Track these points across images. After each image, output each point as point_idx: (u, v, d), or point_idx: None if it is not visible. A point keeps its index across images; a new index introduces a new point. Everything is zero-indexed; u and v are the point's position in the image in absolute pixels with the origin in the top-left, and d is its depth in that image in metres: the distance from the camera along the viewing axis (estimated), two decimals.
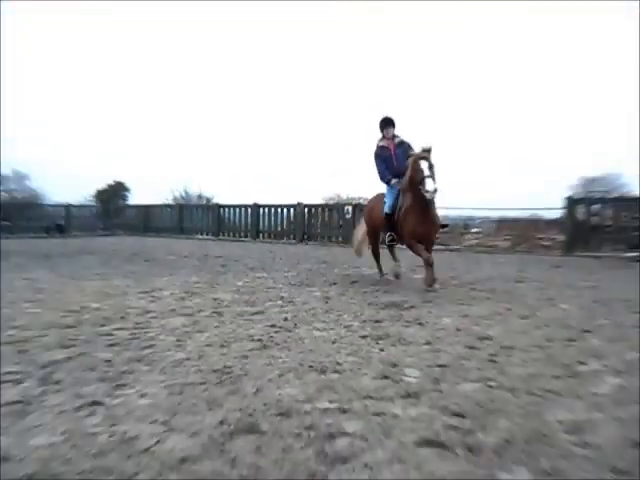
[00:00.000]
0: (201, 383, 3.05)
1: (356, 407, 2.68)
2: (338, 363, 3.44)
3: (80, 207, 23.78)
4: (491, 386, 3.03)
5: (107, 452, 2.20)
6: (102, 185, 33.23)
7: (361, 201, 21.98)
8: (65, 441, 2.31)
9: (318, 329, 4.51)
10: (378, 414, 2.58)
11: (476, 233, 17.87)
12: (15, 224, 21.17)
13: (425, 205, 6.75)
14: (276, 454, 2.17)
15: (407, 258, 9.04)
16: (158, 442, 2.29)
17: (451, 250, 14.50)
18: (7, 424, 2.47)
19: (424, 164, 6.53)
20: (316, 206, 18.62)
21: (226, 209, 20.60)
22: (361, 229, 8.67)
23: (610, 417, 2.57)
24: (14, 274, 8.16)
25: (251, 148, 45.57)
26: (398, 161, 7.30)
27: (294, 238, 17.92)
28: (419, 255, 7.01)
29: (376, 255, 8.38)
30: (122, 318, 4.91)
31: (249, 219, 19.46)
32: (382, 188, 7.80)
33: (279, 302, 5.85)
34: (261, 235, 19.03)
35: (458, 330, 4.47)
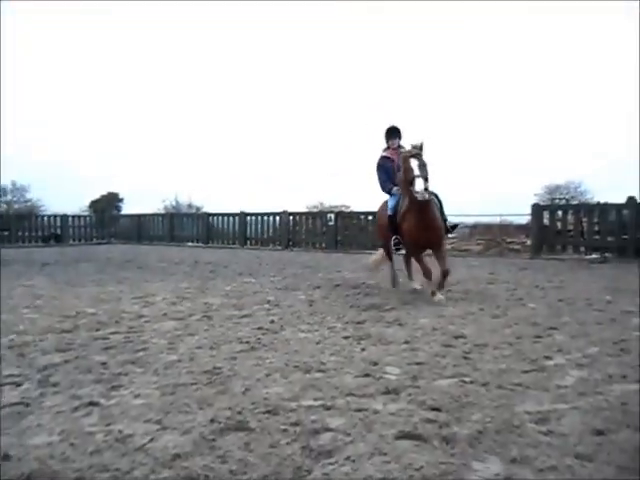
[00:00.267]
0: (192, 383, 3.04)
1: (339, 404, 2.68)
2: (322, 363, 3.44)
3: (76, 217, 23.47)
4: (465, 381, 3.06)
5: (103, 450, 2.18)
6: (96, 196, 32.97)
7: (343, 209, 22.07)
8: (63, 440, 2.29)
9: (303, 331, 4.51)
10: (360, 410, 2.59)
11: (451, 238, 18.00)
12: (14, 234, 20.84)
13: (423, 207, 5.97)
14: (264, 449, 2.17)
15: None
16: (152, 440, 2.27)
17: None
18: (7, 425, 2.44)
19: (414, 163, 5.78)
20: (300, 214, 18.63)
21: (215, 217, 20.51)
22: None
23: (573, 407, 2.60)
24: (14, 282, 8.03)
25: (243, 154, 45.14)
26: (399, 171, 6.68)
27: (280, 245, 17.89)
28: (423, 270, 6.33)
29: (390, 258, 7.43)
30: (116, 322, 4.86)
31: (237, 227, 19.39)
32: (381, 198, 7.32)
33: (266, 305, 5.84)
34: (248, 242, 18.96)
35: (435, 329, 4.50)
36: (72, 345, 3.98)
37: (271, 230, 18.69)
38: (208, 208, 25.99)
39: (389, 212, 6.81)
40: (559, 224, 13.36)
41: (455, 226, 7.05)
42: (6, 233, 20.59)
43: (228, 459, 2.09)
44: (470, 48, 40.83)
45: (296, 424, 2.41)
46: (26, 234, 21.18)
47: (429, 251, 6.60)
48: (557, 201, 25.00)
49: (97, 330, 4.52)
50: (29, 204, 32.42)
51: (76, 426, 2.44)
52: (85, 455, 2.14)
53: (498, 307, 5.63)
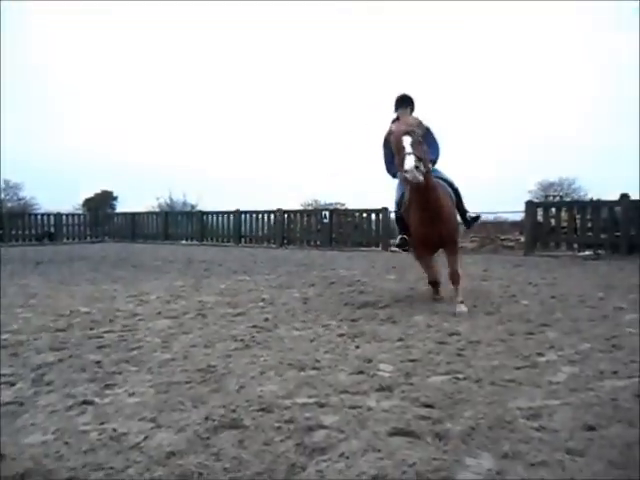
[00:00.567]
0: (186, 382, 3.04)
1: (333, 401, 2.70)
2: (316, 360, 3.46)
3: (70, 215, 23.37)
4: (458, 378, 3.08)
5: (97, 449, 2.19)
6: (90, 194, 32.86)
7: (338, 206, 22.10)
8: (57, 439, 2.29)
9: (297, 329, 4.52)
10: (354, 407, 2.61)
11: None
12: (7, 233, 20.73)
13: (424, 193, 5.08)
14: (258, 447, 2.18)
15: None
16: (146, 438, 2.28)
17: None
18: (1, 424, 2.44)
19: (407, 141, 4.81)
20: (295, 212, 18.63)
21: (209, 216, 20.48)
22: None
23: (565, 403, 2.63)
24: (7, 281, 8.00)
25: (238, 152, 44.95)
26: None
27: (274, 242, 17.89)
28: (428, 274, 5.88)
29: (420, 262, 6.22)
30: (111, 321, 4.85)
31: (231, 225, 19.37)
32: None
33: (260, 304, 5.84)
34: (243, 240, 18.95)
35: (429, 327, 4.53)
36: (66, 344, 3.98)
37: (266, 228, 18.68)
38: (203, 206, 25.99)
39: (394, 207, 6.04)
40: (553, 221, 13.42)
41: (477, 218, 6.07)
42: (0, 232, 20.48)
43: (222, 457, 2.09)
44: (468, 48, 40.86)
45: (290, 421, 2.43)
46: (19, 233, 21.07)
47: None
48: (551, 198, 25.11)
49: (91, 329, 4.52)
50: (22, 202, 32.29)
51: (70, 425, 2.44)
52: (79, 454, 2.14)
53: (492, 304, 5.66)
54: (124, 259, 12.65)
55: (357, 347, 3.85)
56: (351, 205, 21.37)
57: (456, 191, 5.75)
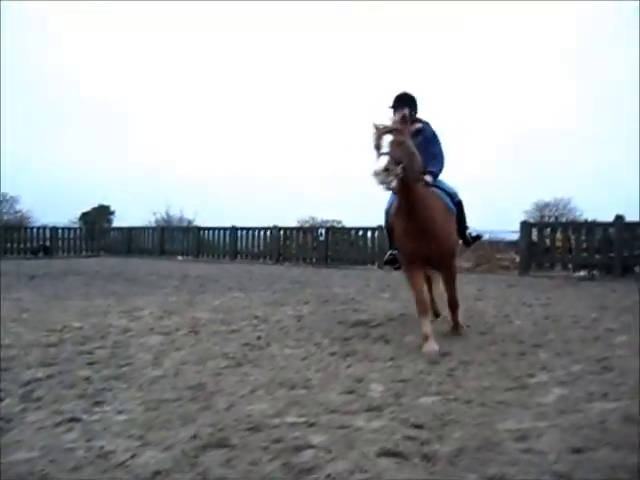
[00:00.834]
0: (176, 399, 3.04)
1: (322, 420, 2.70)
2: (307, 379, 3.46)
3: (65, 229, 23.35)
4: (448, 399, 3.08)
5: (83, 467, 2.18)
6: (87, 208, 32.84)
7: (334, 224, 22.14)
8: (43, 456, 2.28)
9: (290, 347, 4.52)
10: (342, 427, 2.61)
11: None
12: (2, 246, 20.68)
13: (413, 205, 4.39)
14: (244, 466, 2.17)
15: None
16: (133, 456, 2.27)
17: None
18: None
19: (386, 139, 4.11)
20: (291, 229, 18.67)
21: (205, 231, 20.50)
22: None
23: (553, 425, 2.63)
24: (1, 294, 7.97)
25: (235, 167, 44.84)
26: None
27: (270, 259, 17.89)
28: (415, 301, 4.74)
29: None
30: (102, 337, 4.84)
31: (227, 241, 19.38)
32: None
33: (254, 321, 5.84)
34: (239, 256, 18.94)
35: (421, 347, 4.53)
36: (57, 360, 3.97)
37: (262, 244, 18.70)
38: (199, 222, 25.98)
39: (384, 217, 5.24)
40: (547, 241, 13.48)
41: (478, 237, 5.45)
42: None
43: (208, 476, 2.09)
44: (468, 48, 40.84)
45: (278, 441, 2.42)
46: (15, 246, 21.02)
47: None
48: (546, 218, 25.25)
49: (82, 344, 4.51)
50: (19, 215, 32.24)
51: (57, 442, 2.43)
52: (64, 472, 2.13)
53: (485, 324, 5.67)
54: (119, 274, 12.62)
55: (348, 366, 3.85)
56: (348, 223, 21.41)
57: (459, 204, 5.07)
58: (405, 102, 4.94)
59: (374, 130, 4.28)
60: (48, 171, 39.06)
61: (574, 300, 7.88)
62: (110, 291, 8.68)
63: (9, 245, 20.81)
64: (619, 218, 12.07)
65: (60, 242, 22.13)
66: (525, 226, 13.89)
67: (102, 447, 2.37)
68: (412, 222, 4.47)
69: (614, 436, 2.47)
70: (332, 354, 4.23)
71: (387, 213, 5.09)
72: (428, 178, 4.69)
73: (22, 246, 21.16)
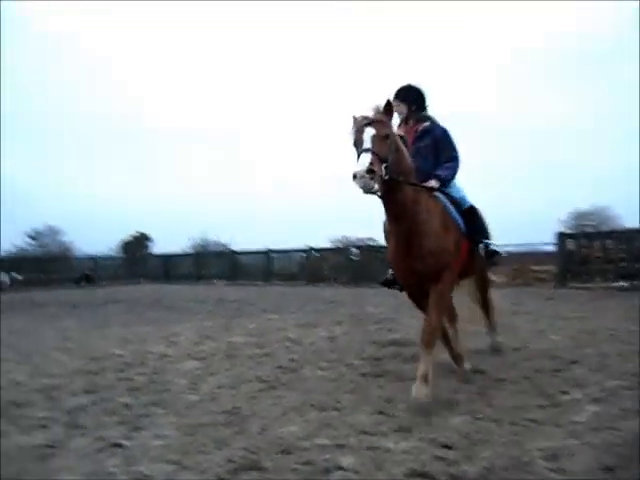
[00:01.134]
0: (211, 424, 3.13)
1: (352, 442, 2.74)
2: (337, 401, 3.50)
3: (106, 258, 24.13)
4: (478, 418, 3.08)
5: None
6: (126, 236, 33.74)
7: (368, 242, 22.11)
8: None
9: (322, 368, 4.57)
10: (371, 448, 2.64)
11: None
12: (48, 276, 21.49)
13: (400, 211, 3.61)
14: None
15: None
16: None
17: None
18: (33, 466, 2.57)
19: (369, 132, 3.37)
20: (324, 250, 18.79)
21: (240, 255, 20.83)
22: None
23: (585, 443, 2.60)
24: (46, 324, 8.31)
25: (267, 189, 45.11)
26: (418, 159, 3.94)
27: (304, 280, 18.01)
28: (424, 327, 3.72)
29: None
30: (141, 364, 5.00)
31: (261, 264, 19.64)
32: None
33: (287, 343, 5.92)
34: (273, 279, 19.14)
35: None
36: (98, 387, 4.13)
37: (295, 266, 18.87)
38: (234, 245, 26.39)
39: (383, 231, 4.35)
40: (585, 252, 13.17)
41: (495, 253, 4.26)
42: (41, 276, 21.25)
43: None
44: (468, 48, 40.62)
45: (308, 463, 2.48)
46: (59, 276, 21.80)
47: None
48: (584, 228, 24.62)
49: (122, 371, 4.67)
50: (62, 247, 33.39)
51: (99, 467, 2.55)
52: None
53: (520, 339, 5.59)
54: (157, 300, 12.94)
55: (379, 387, 3.87)
56: (382, 241, 21.34)
57: (469, 212, 4.13)
58: (407, 96, 4.18)
59: (353, 123, 3.51)
60: (89, 201, 40.34)
61: (612, 312, 7.68)
62: (149, 318, 8.92)
63: (54, 276, 21.59)
64: None
65: (101, 271, 22.83)
66: (561, 237, 13.64)
67: (141, 472, 2.47)
68: (400, 233, 3.71)
69: None
70: (363, 375, 4.26)
71: (384, 224, 4.18)
72: (433, 183, 3.87)
73: (66, 276, 21.93)
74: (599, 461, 2.38)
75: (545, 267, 15.19)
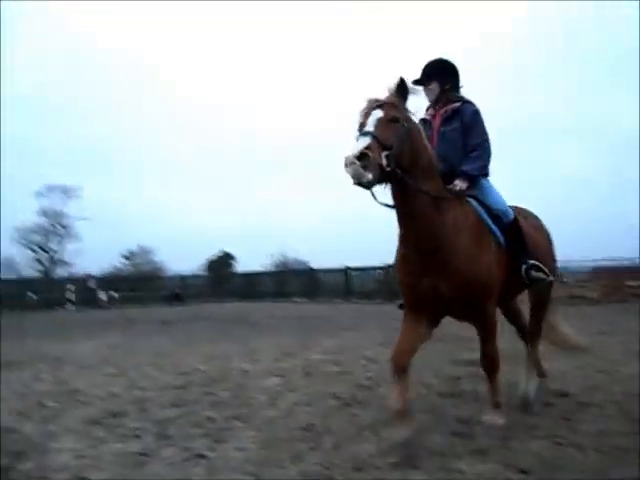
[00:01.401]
0: (288, 439, 3.25)
1: (425, 463, 2.74)
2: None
3: (193, 277, 25.36)
4: (560, 443, 2.98)
5: None
6: (211, 255, 35.23)
7: None
8: None
9: None
10: (445, 469, 2.64)
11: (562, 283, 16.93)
12: (141, 294, 22.92)
13: (415, 218, 2.99)
14: None
15: None
16: None
17: None
18: (130, 471, 2.80)
19: (375, 115, 2.83)
20: None
21: (320, 273, 21.13)
22: None
23: None
24: (140, 340, 8.90)
25: (345, 206, 45.42)
26: (443, 145, 3.40)
27: (384, 298, 17.93)
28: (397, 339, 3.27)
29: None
30: (225, 379, 5.25)
31: (340, 281, 19.80)
32: None
33: (364, 361, 5.97)
34: (352, 296, 19.21)
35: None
36: (185, 401, 4.39)
37: (374, 284, 18.85)
38: (314, 263, 26.81)
39: None
40: None
41: (539, 279, 3.42)
42: (135, 294, 22.71)
43: None
44: (468, 49, 39.17)
45: None
46: (151, 294, 23.18)
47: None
48: None
49: (207, 386, 4.93)
50: (153, 266, 35.45)
51: (185, 476, 2.74)
52: None
53: (609, 361, 5.30)
54: (240, 318, 13.43)
55: (456, 407, 3.83)
56: None
57: (511, 228, 3.33)
58: (440, 73, 3.47)
59: (363, 106, 2.94)
60: (178, 222, 42.66)
61: None
62: (233, 335, 9.30)
63: (145, 294, 22.99)
64: None
65: (189, 289, 24.02)
66: None
67: None
68: (412, 244, 3.05)
69: None
70: (440, 395, 4.23)
71: None
72: (460, 184, 3.25)
73: (157, 294, 23.28)
74: None
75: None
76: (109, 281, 25.24)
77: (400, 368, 3.10)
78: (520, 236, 3.40)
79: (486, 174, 3.44)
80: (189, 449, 3.15)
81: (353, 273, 19.52)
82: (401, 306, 3.39)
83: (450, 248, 2.99)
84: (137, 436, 3.44)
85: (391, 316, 12.00)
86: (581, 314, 10.39)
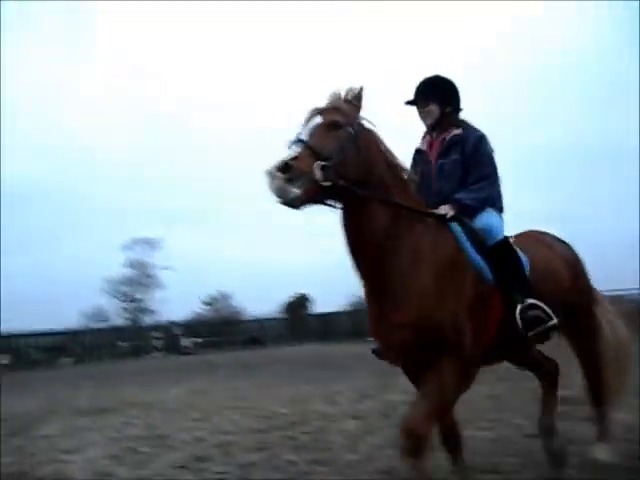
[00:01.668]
0: None
1: None
2: (497, 464, 3.38)
3: (270, 320, 25.81)
4: None
5: None
6: (288, 297, 35.74)
7: None
8: None
9: (482, 428, 4.42)
10: None
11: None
12: (222, 339, 23.60)
13: (371, 243, 2.45)
14: None
15: None
16: None
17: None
18: None
19: (313, 121, 2.41)
20: None
21: None
22: None
23: None
24: (222, 384, 9.16)
25: None
26: (441, 180, 2.85)
27: None
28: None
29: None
30: (305, 422, 5.29)
31: None
32: None
33: None
34: None
35: (632, 429, 4.07)
36: (267, 444, 4.47)
37: None
38: None
39: None
40: None
41: (539, 321, 2.67)
42: (215, 339, 23.43)
43: None
44: (470, 48, 37.70)
45: None
46: (231, 338, 23.80)
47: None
48: None
49: (288, 430, 4.99)
50: (232, 310, 36.41)
51: None
52: None
53: None
54: (318, 360, 13.47)
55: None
56: None
57: (498, 250, 2.68)
58: (439, 92, 2.93)
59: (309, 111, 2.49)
60: (253, 267, 43.61)
61: None
62: (311, 377, 9.35)
63: (226, 338, 23.64)
64: None
65: (267, 331, 24.45)
66: None
67: None
68: (368, 278, 2.54)
69: None
70: (528, 436, 4.04)
71: None
72: (445, 209, 2.64)
73: (236, 338, 23.88)
74: None
75: None
76: (191, 327, 26.21)
77: (417, 445, 2.40)
78: (515, 266, 2.70)
79: (497, 207, 2.86)
80: None
81: None
82: (374, 351, 2.91)
83: (402, 283, 2.42)
84: None
85: None
86: None
